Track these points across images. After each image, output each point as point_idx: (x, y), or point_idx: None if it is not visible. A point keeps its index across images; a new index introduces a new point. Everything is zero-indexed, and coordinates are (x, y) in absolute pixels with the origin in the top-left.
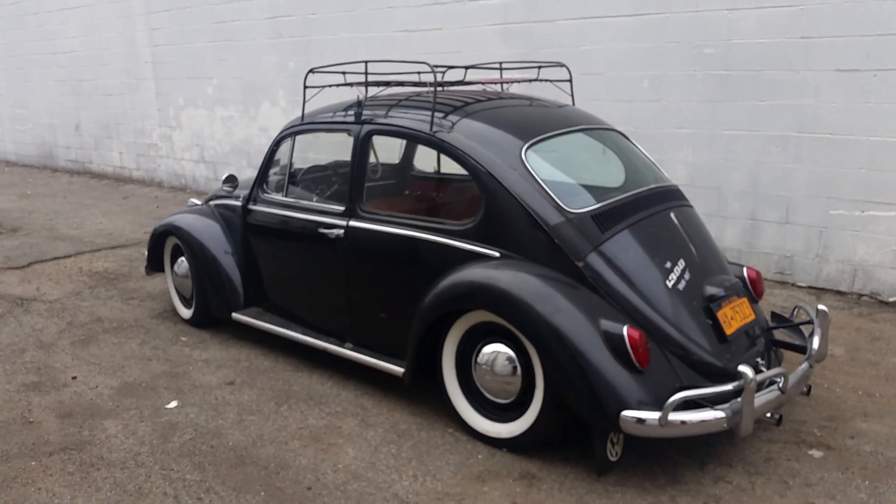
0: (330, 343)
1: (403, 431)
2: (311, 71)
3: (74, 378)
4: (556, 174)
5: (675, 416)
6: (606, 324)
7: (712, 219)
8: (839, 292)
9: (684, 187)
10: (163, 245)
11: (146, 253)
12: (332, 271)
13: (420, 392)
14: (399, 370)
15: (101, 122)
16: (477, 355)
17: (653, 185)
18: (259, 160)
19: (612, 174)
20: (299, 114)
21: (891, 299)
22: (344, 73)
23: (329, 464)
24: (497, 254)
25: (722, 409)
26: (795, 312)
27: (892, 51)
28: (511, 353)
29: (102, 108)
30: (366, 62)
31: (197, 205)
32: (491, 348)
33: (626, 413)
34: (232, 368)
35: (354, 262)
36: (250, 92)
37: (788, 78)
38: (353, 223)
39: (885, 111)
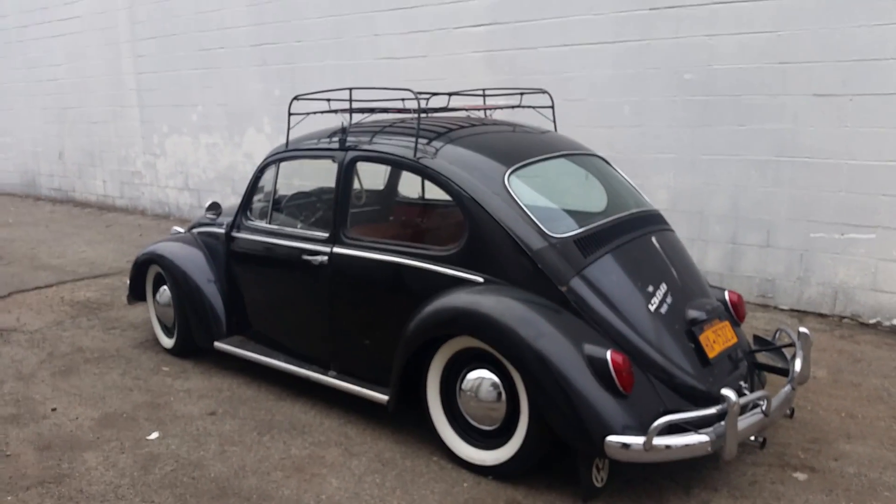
0: (313, 371)
1: (388, 460)
2: (295, 98)
3: (54, 410)
4: (539, 199)
5: (659, 441)
6: (590, 348)
7: (694, 243)
8: (821, 315)
9: (666, 212)
10: (145, 274)
11: (128, 282)
12: (315, 298)
13: (405, 420)
14: (383, 398)
15: (85, 149)
16: (461, 381)
17: (634, 210)
18: (243, 187)
19: (594, 199)
20: (284, 140)
21: (871, 321)
22: (329, 99)
23: (312, 494)
24: (481, 279)
25: (706, 433)
26: (777, 335)
27: (867, 76)
28: (495, 378)
29: (86, 135)
30: (350, 89)
31: (180, 233)
32: (475, 374)
33: (611, 438)
34: (214, 398)
35: (338, 289)
36: (235, 119)
37: (767, 103)
38: (337, 249)
39: (861, 135)
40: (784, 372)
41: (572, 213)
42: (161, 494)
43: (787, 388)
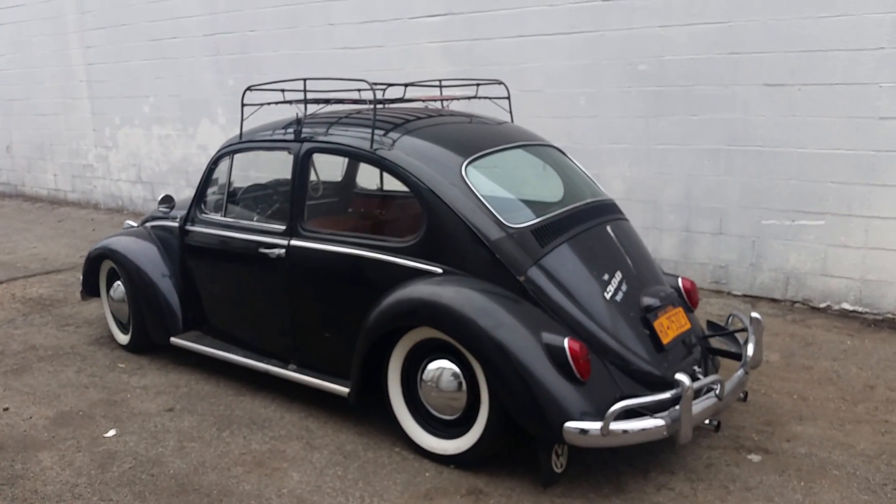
0: (273, 365)
1: (350, 452)
2: (248, 88)
3: (6, 409)
4: (496, 190)
5: (616, 426)
6: (548, 337)
7: (649, 231)
8: (773, 300)
9: (621, 201)
10: (98, 269)
11: (81, 277)
12: (273, 292)
13: (366, 412)
14: (344, 390)
15: (34, 142)
16: (422, 372)
17: (590, 200)
18: (197, 180)
19: (550, 189)
20: (238, 132)
21: (822, 305)
22: (283, 90)
23: (273, 489)
24: (440, 270)
25: (662, 418)
26: (730, 321)
27: (815, 66)
28: (456, 368)
29: (35, 128)
30: (305, 80)
31: (133, 227)
32: (436, 365)
33: (570, 424)
34: (171, 394)
35: (297, 282)
36: (188, 110)
37: (719, 93)
38: (294, 242)
39: (810, 124)
40: (737, 356)
41: (529, 204)
42: (119, 492)
43: (741, 372)
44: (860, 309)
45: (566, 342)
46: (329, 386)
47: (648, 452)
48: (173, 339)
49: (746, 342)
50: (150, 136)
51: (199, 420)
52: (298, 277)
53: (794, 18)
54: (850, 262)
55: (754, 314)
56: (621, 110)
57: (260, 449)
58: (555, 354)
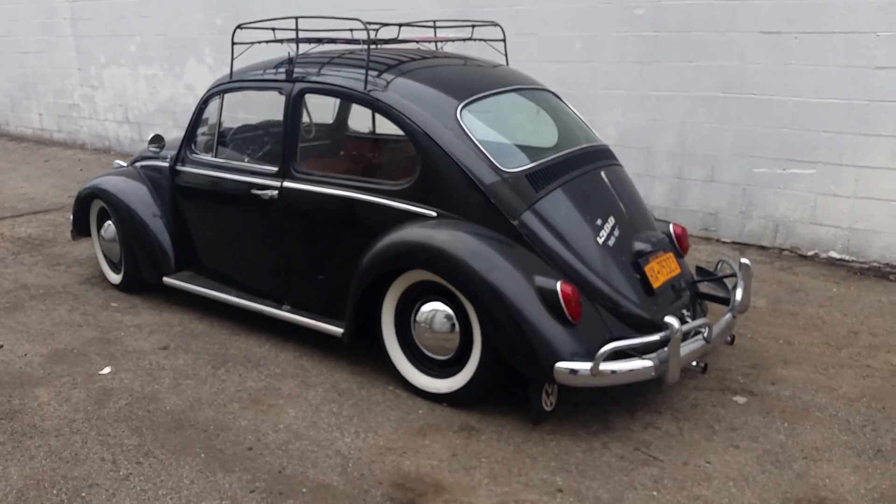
0: (266, 305)
1: (344, 391)
2: (239, 27)
3: (1, 346)
4: (491, 134)
5: (605, 367)
6: (541, 280)
7: (641, 178)
8: (762, 247)
9: (615, 147)
10: (88, 209)
11: (71, 217)
12: (266, 233)
13: (360, 352)
14: (338, 331)
15: (18, 81)
16: (416, 314)
17: (585, 145)
18: (185, 120)
19: (545, 134)
20: (227, 72)
21: (810, 253)
22: (274, 28)
23: (269, 424)
24: (434, 213)
25: (650, 359)
26: (719, 266)
27: (812, 14)
28: (449, 310)
29: (18, 66)
30: (296, 18)
31: (123, 166)
32: (429, 307)
33: (560, 364)
34: (165, 333)
35: (290, 224)
36: (175, 49)
37: (715, 39)
38: (287, 184)
39: (806, 73)
40: (725, 301)
41: (524, 148)
42: (117, 428)
43: (728, 316)
44: (847, 257)
45: (558, 285)
46: (323, 326)
47: (636, 393)
48: (166, 279)
49: (735, 287)
50: (137, 76)
51: (193, 358)
52: (291, 219)
53: None
54: (839, 211)
55: (743, 260)
56: (617, 56)
57: (255, 386)
58: (547, 297)
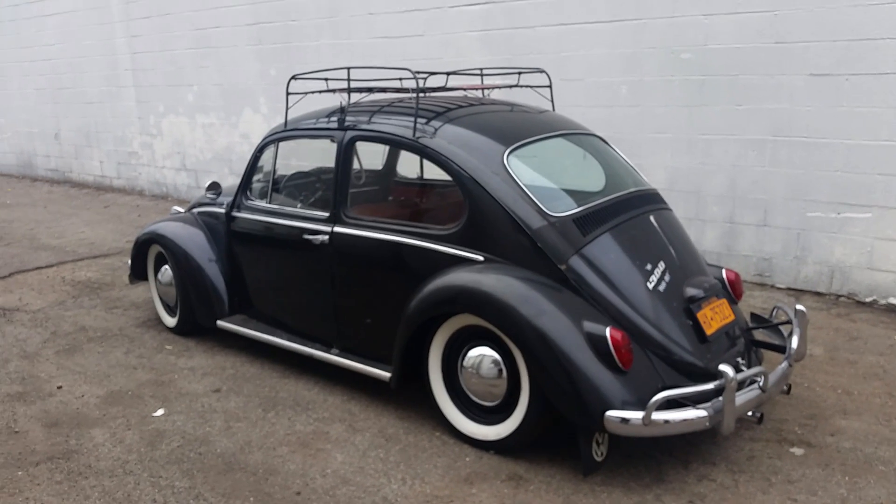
0: (316, 349)
1: (391, 436)
2: (293, 77)
3: (60, 387)
4: (538, 179)
5: (658, 416)
6: (589, 325)
7: (692, 222)
8: (817, 293)
9: (664, 191)
10: (146, 253)
11: (129, 261)
12: (317, 277)
13: (407, 397)
14: (386, 375)
15: (81, 130)
16: (463, 359)
17: (632, 189)
18: (241, 167)
19: (592, 178)
20: (281, 120)
21: (868, 299)
22: (326, 79)
23: (318, 469)
24: (481, 258)
25: (704, 408)
26: (774, 313)
27: (863, 55)
28: (496, 355)
29: (82, 116)
30: (348, 68)
31: (180, 212)
32: (476, 351)
33: (611, 413)
34: (218, 376)
35: (340, 268)
36: (231, 99)
37: (764, 82)
38: (337, 229)
39: (857, 115)
40: (781, 349)
41: (571, 193)
42: (168, 469)
43: (784, 364)
44: None
45: (608, 331)
46: (371, 370)
47: (690, 444)
48: (220, 323)
49: (791, 334)
50: (194, 125)
51: (244, 401)
52: (341, 263)
53: (841, 6)
54: None
55: (799, 306)
56: (664, 99)
57: (304, 430)
58: (596, 343)
